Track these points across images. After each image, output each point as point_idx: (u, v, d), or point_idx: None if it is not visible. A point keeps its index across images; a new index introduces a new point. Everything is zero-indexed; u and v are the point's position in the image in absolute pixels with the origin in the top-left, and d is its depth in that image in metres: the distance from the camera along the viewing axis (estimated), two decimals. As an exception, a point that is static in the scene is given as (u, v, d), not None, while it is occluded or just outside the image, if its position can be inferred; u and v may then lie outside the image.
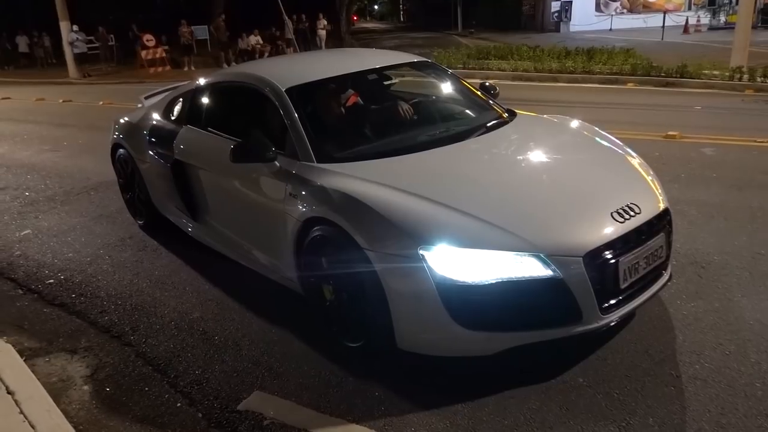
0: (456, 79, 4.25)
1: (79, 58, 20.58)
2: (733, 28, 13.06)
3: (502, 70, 13.76)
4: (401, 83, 4.55)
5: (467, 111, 3.96)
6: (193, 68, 20.63)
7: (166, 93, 5.13)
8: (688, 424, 2.38)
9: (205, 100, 4.15)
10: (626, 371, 2.72)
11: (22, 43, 26.74)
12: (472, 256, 2.52)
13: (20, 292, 4.07)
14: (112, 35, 24.43)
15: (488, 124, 3.61)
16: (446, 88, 4.22)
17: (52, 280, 4.17)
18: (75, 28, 20.05)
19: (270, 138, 3.38)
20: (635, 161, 3.36)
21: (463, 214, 2.65)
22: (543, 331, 2.58)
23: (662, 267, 2.94)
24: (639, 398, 2.55)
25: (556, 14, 29.05)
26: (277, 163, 3.22)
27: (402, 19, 68.35)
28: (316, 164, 3.12)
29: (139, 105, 5.41)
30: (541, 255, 2.50)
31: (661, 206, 2.94)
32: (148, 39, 20.78)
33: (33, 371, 3.03)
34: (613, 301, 2.65)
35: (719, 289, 3.38)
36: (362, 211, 2.74)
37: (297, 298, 3.36)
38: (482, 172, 3.09)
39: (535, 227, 2.61)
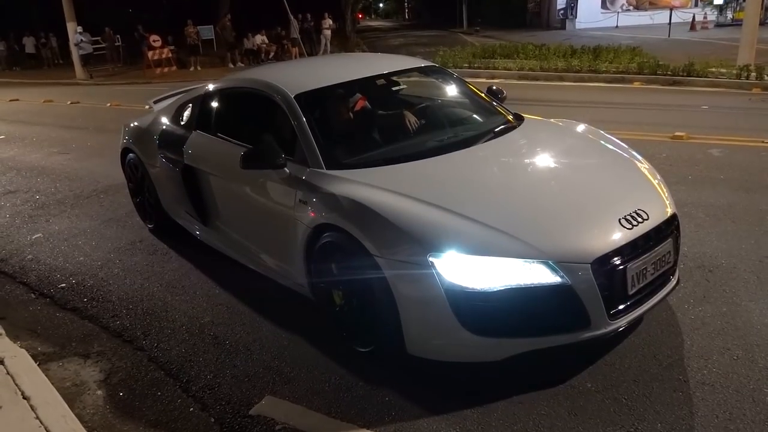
0: (463, 84, 4.26)
1: (85, 59, 20.68)
2: (741, 25, 12.99)
3: (508, 70, 13.75)
4: (409, 85, 4.56)
5: (475, 116, 3.98)
6: (199, 68, 20.74)
7: (175, 97, 5.17)
8: (696, 430, 2.40)
9: (214, 105, 4.19)
10: (634, 376, 2.74)
11: (29, 44, 26.93)
12: (481, 263, 2.54)
13: (33, 296, 4.12)
14: (118, 36, 24.54)
15: (496, 130, 3.63)
16: (454, 92, 4.24)
17: (64, 285, 4.22)
18: (80, 29, 20.15)
19: (279, 144, 3.41)
20: (642, 166, 3.38)
21: (472, 221, 2.67)
22: (551, 337, 2.60)
23: (670, 272, 2.96)
24: (647, 403, 2.57)
25: (562, 11, 28.98)
26: (286, 170, 3.25)
27: (407, 16, 68.29)
28: (325, 171, 3.15)
29: (147, 107, 5.45)
30: (550, 262, 2.52)
31: (669, 211, 2.96)
32: (155, 39, 20.86)
33: (47, 376, 3.07)
34: (621, 307, 2.67)
35: (726, 294, 3.39)
36: (372, 218, 2.76)
37: (306, 303, 3.40)
38: (491, 178, 3.12)
39: (543, 234, 2.63)
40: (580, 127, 3.94)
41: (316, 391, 2.84)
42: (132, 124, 5.04)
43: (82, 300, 3.97)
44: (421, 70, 4.24)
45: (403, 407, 2.67)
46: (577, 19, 28.22)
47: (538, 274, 2.52)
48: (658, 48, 15.51)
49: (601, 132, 3.91)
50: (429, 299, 2.60)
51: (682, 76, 11.24)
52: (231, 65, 20.90)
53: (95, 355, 3.33)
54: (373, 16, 76.79)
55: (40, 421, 2.65)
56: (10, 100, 15.60)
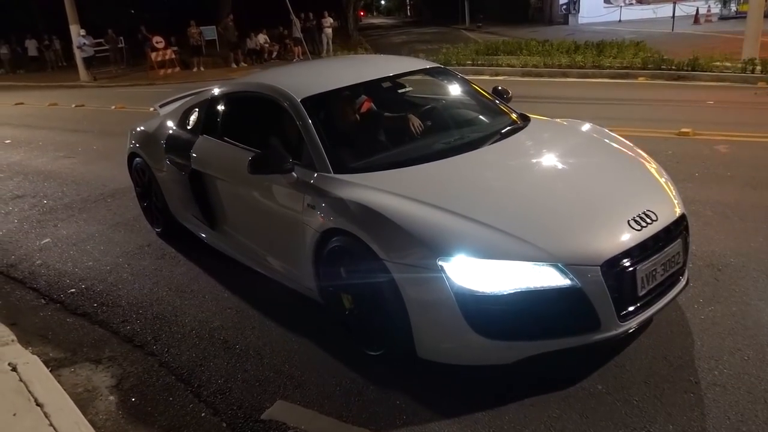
0: (469, 85, 4.26)
1: (88, 62, 20.74)
2: (745, 17, 12.89)
3: (512, 66, 13.72)
4: (414, 86, 4.56)
5: (481, 117, 3.98)
6: (202, 69, 20.77)
7: (181, 101, 5.18)
8: (708, 432, 2.41)
9: (220, 110, 4.20)
10: (645, 378, 2.74)
11: (31, 46, 27.07)
12: (490, 266, 2.55)
13: (43, 301, 4.14)
14: (121, 37, 24.59)
15: (502, 131, 3.62)
16: (460, 94, 4.24)
17: (73, 290, 4.24)
18: (83, 32, 20.21)
19: (286, 148, 3.43)
20: (649, 165, 3.37)
21: (481, 224, 2.67)
22: (562, 340, 2.60)
23: (679, 272, 2.95)
24: (658, 405, 2.57)
25: (565, 6, 28.86)
26: (294, 174, 3.26)
27: (408, 13, 68.17)
28: (333, 175, 3.16)
29: (152, 109, 5.46)
30: (559, 264, 2.52)
31: (678, 212, 2.95)
32: (158, 41, 20.91)
33: (59, 382, 3.08)
34: (631, 308, 2.67)
35: (736, 293, 3.38)
36: (380, 222, 2.77)
37: (316, 306, 3.41)
38: (499, 180, 3.12)
39: (552, 237, 2.63)
40: (586, 127, 3.93)
41: (327, 395, 2.85)
42: (138, 129, 5.06)
43: (92, 305, 3.99)
44: (426, 72, 4.24)
45: (415, 411, 2.68)
46: (579, 14, 28.10)
47: (547, 277, 2.52)
48: (661, 42, 15.45)
49: (607, 131, 3.90)
50: (439, 303, 2.60)
51: (687, 70, 11.20)
52: (234, 65, 20.93)
53: (106, 361, 3.35)
54: (374, 14, 76.70)
55: (54, 429, 2.67)
56: (16, 104, 15.68)
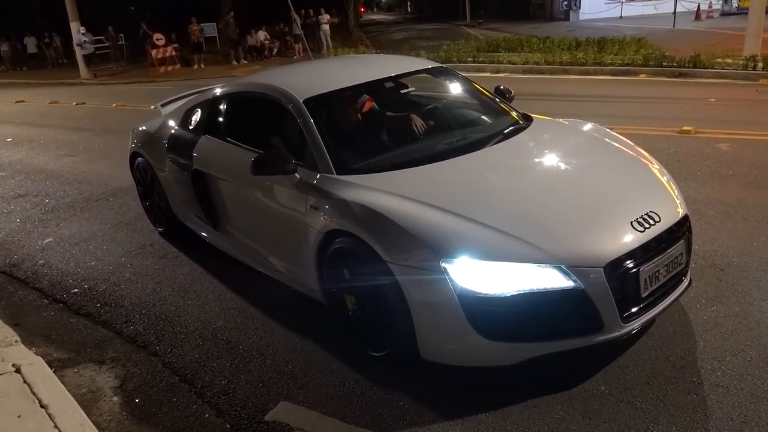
0: (471, 85, 4.26)
1: (89, 59, 20.73)
2: (747, 13, 12.84)
3: (513, 63, 13.69)
4: (417, 86, 4.55)
5: (483, 117, 3.97)
6: (203, 66, 20.75)
7: (183, 100, 5.18)
8: (711, 433, 2.41)
9: (222, 110, 4.20)
10: (648, 379, 2.75)
11: (31, 44, 27.05)
12: (493, 268, 2.55)
13: (46, 302, 4.15)
14: (121, 35, 24.56)
15: (505, 131, 3.62)
16: (462, 94, 4.23)
17: (76, 290, 4.25)
18: (82, 30, 20.18)
19: (288, 148, 3.43)
20: (651, 166, 3.37)
21: (484, 226, 2.68)
22: (565, 341, 2.61)
23: (682, 273, 2.96)
24: (661, 406, 2.58)
25: (566, 2, 28.78)
26: (297, 175, 3.26)
27: (409, 9, 68.02)
28: (336, 176, 3.16)
29: (153, 107, 5.45)
30: (562, 266, 2.52)
31: (680, 213, 2.96)
32: (158, 38, 20.88)
33: (63, 383, 3.09)
34: (634, 310, 2.67)
35: (739, 293, 3.38)
36: (383, 223, 2.77)
37: (319, 307, 3.41)
38: (501, 182, 3.12)
39: (555, 238, 2.63)
40: (587, 126, 3.93)
41: (331, 396, 2.86)
42: (140, 128, 5.06)
43: (95, 305, 4.00)
44: (429, 72, 4.23)
45: (418, 412, 2.69)
46: (581, 10, 28.03)
47: (550, 279, 2.52)
48: (663, 39, 15.43)
49: (608, 130, 3.90)
50: (442, 304, 2.61)
51: (688, 67, 11.17)
52: (234, 62, 20.90)
53: (110, 361, 3.36)
54: (375, 10, 76.54)
55: (59, 430, 2.68)
56: (16, 102, 15.67)
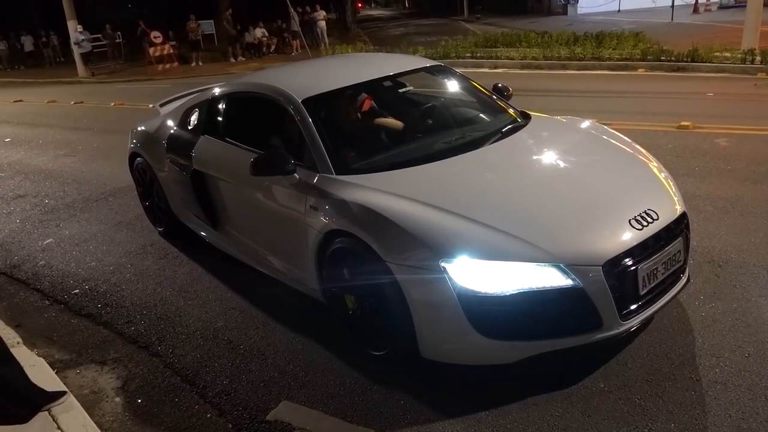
0: (469, 83, 4.26)
1: (86, 57, 20.68)
2: (744, 6, 12.81)
3: (511, 59, 13.67)
4: (415, 85, 4.56)
5: (482, 115, 3.98)
6: (200, 63, 20.71)
7: (182, 99, 5.18)
8: (709, 430, 2.43)
9: (221, 110, 4.20)
10: (647, 376, 2.77)
11: (28, 42, 26.97)
12: (492, 267, 2.57)
13: (47, 303, 4.17)
14: (119, 33, 24.51)
15: (503, 130, 3.63)
16: (460, 92, 4.24)
17: (77, 291, 4.26)
18: (80, 28, 20.13)
19: (287, 148, 3.44)
20: (649, 163, 3.38)
21: (483, 225, 2.69)
22: (564, 339, 2.62)
23: (680, 270, 2.98)
24: (660, 403, 2.59)
25: (563, -4, 28.72)
26: (296, 176, 3.27)
27: (407, 5, 67.86)
28: (335, 176, 3.17)
29: (151, 106, 5.45)
30: (561, 265, 2.54)
31: (678, 210, 2.97)
32: (156, 36, 20.81)
33: (65, 384, 3.11)
34: (632, 307, 2.69)
35: (737, 289, 3.40)
36: (383, 223, 2.79)
37: (319, 306, 3.43)
38: (500, 181, 3.13)
39: (554, 237, 2.65)
40: (585, 124, 3.94)
41: (332, 395, 2.88)
42: (139, 128, 5.06)
43: (96, 306, 4.01)
44: (427, 70, 4.23)
45: (419, 410, 2.71)
46: (578, 4, 27.95)
47: (549, 278, 2.54)
48: (661, 32, 15.40)
49: (606, 128, 3.92)
50: (441, 304, 2.62)
51: (686, 61, 11.15)
52: (232, 59, 20.87)
53: (112, 362, 3.38)
54: (373, 5, 76.33)
55: (62, 431, 2.70)
56: (15, 101, 15.64)
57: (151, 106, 5.71)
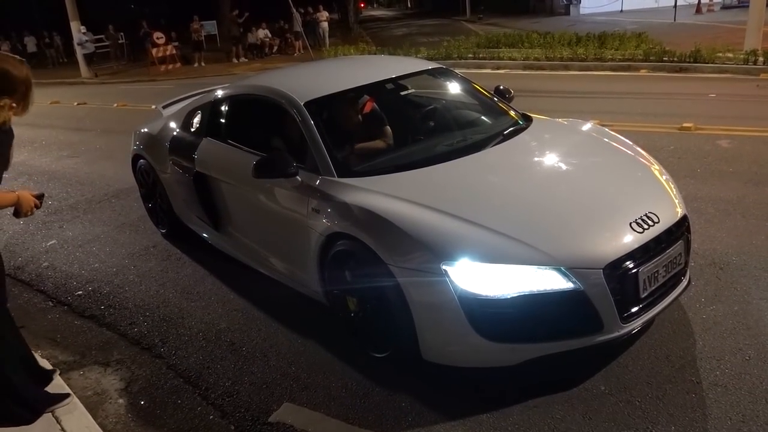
0: (471, 85, 4.27)
1: (89, 58, 20.74)
2: (747, 6, 12.78)
3: (513, 59, 13.68)
4: (416, 87, 4.57)
5: (483, 118, 3.99)
6: (203, 64, 20.74)
7: (184, 101, 5.20)
8: (709, 433, 2.44)
9: (223, 112, 4.22)
10: (647, 378, 2.78)
11: (31, 43, 27.05)
12: (493, 270, 2.58)
13: (51, 304, 4.19)
14: (121, 33, 24.56)
15: (505, 132, 3.64)
16: (462, 94, 4.25)
17: (80, 292, 4.28)
18: (83, 29, 20.18)
19: (289, 151, 3.46)
20: (650, 165, 3.39)
21: (484, 228, 2.70)
22: (565, 342, 2.64)
23: (681, 273, 2.98)
24: (660, 406, 2.60)
25: (566, -3, 28.69)
26: (298, 178, 3.29)
27: (409, 5, 67.85)
28: (337, 179, 3.18)
29: (153, 107, 5.47)
30: (562, 268, 2.55)
31: (679, 212, 2.98)
32: (158, 36, 20.86)
33: (69, 385, 3.12)
34: (633, 310, 2.70)
35: (738, 292, 3.40)
36: (384, 226, 2.80)
37: (321, 308, 3.44)
38: (501, 184, 3.14)
39: (555, 240, 2.66)
40: (586, 126, 3.95)
41: (334, 397, 2.89)
42: (142, 130, 5.08)
43: (99, 307, 4.03)
44: (429, 73, 4.24)
45: (420, 412, 2.72)
46: (581, 5, 27.92)
47: (550, 281, 2.55)
48: (663, 33, 15.39)
49: (607, 130, 3.93)
50: (443, 306, 2.64)
51: (689, 62, 11.14)
52: (235, 60, 20.91)
53: (115, 363, 3.39)
54: (375, 6, 76.37)
55: (66, 433, 2.72)
56: (17, 102, 15.64)
57: (153, 107, 5.73)
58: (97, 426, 2.81)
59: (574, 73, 12.16)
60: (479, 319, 2.59)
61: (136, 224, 5.47)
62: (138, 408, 3.00)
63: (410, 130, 3.78)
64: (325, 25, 22.46)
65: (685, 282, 3.02)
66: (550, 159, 3.45)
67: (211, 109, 4.32)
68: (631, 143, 3.70)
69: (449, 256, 2.61)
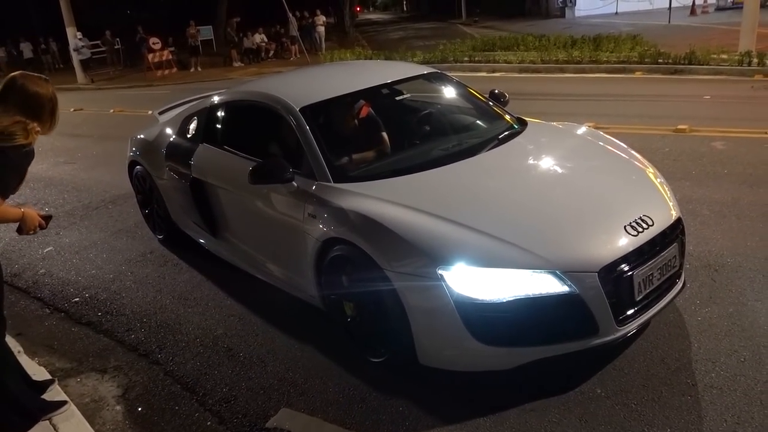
0: (466, 89, 4.29)
1: (85, 64, 20.74)
2: (741, 8, 12.84)
3: (509, 62, 13.72)
4: (411, 92, 4.58)
5: (478, 122, 4.01)
6: (199, 69, 20.76)
7: (180, 107, 5.21)
8: (705, 435, 2.45)
9: (219, 118, 4.23)
10: (643, 381, 2.79)
11: (27, 49, 27.05)
12: (489, 274, 2.59)
13: (47, 311, 4.18)
14: (118, 39, 24.57)
15: (500, 136, 3.66)
16: (457, 99, 4.27)
17: (77, 299, 4.28)
18: (79, 35, 20.19)
19: (286, 157, 3.47)
20: (645, 169, 3.41)
21: (479, 232, 2.71)
22: (561, 345, 2.65)
23: (676, 276, 3.00)
24: (656, 408, 2.61)
25: (561, -1, 28.80)
26: (294, 184, 3.30)
27: (405, 8, 68.01)
28: (333, 184, 3.19)
29: (150, 112, 5.47)
30: (557, 272, 2.56)
31: (674, 215, 3.00)
32: (155, 42, 20.89)
33: (66, 392, 3.13)
34: (629, 313, 2.71)
35: (733, 294, 3.42)
36: (380, 231, 2.81)
37: (318, 314, 3.45)
38: (496, 188, 3.15)
39: (550, 244, 2.67)
40: (581, 130, 3.97)
41: (331, 403, 2.90)
42: (139, 137, 5.09)
43: (96, 314, 4.03)
44: (424, 77, 4.25)
45: (417, 417, 2.73)
46: (576, 7, 28.03)
47: (546, 284, 2.56)
48: (658, 35, 15.45)
49: (602, 134, 3.94)
50: (439, 311, 2.65)
51: (684, 64, 11.19)
52: (234, 63, 20.95)
53: (112, 370, 3.39)
54: (371, 9, 76.55)
55: (63, 440, 2.72)
56: (13, 108, 15.63)
57: (150, 112, 5.73)
58: (94, 433, 2.82)
59: (570, 76, 12.20)
60: (475, 323, 2.60)
61: (133, 230, 5.47)
62: (135, 415, 3.00)
63: (406, 135, 3.79)
64: (322, 29, 22.51)
65: (680, 284, 3.03)
66: (545, 163, 3.47)
67: (207, 115, 4.33)
68: (625, 146, 3.72)
69: (445, 260, 2.62)
